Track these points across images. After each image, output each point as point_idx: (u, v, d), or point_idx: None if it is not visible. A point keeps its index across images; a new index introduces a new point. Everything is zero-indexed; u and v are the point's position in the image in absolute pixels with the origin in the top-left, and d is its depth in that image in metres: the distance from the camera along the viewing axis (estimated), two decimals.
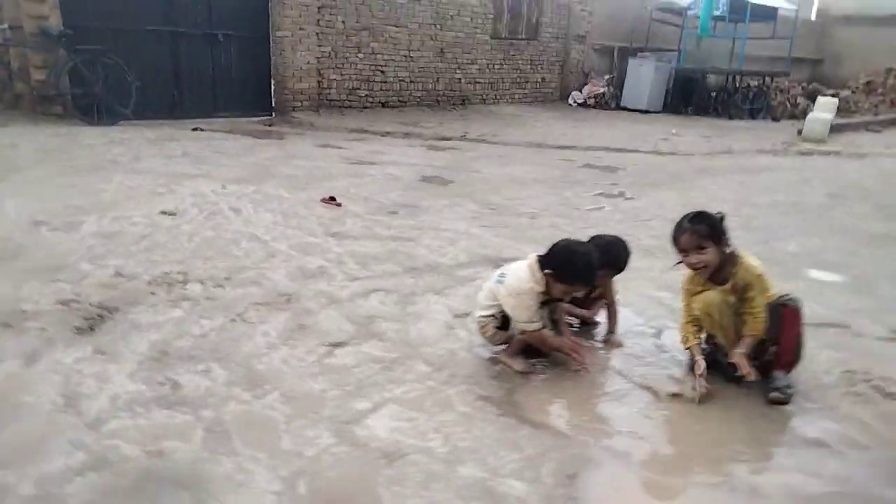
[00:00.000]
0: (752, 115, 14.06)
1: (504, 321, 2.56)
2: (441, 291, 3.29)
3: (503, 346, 2.64)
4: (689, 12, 14.02)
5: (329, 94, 10.96)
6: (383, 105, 11.71)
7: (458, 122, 10.97)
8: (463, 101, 12.97)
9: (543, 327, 2.53)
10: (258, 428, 2.06)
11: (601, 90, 14.53)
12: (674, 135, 10.81)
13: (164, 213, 4.39)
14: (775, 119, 13.89)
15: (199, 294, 3.06)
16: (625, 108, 14.45)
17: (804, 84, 16.82)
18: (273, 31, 10.07)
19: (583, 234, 2.99)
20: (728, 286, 2.52)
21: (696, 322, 2.60)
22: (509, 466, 1.97)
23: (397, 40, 11.60)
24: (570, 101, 14.72)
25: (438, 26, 12.14)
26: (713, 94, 14.53)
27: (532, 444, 2.09)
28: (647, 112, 14.07)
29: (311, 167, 6.42)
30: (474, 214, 5.01)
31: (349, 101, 11.24)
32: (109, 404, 2.12)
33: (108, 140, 7.01)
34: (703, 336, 2.63)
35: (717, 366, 2.58)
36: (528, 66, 14.13)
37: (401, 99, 11.97)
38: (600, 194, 6.04)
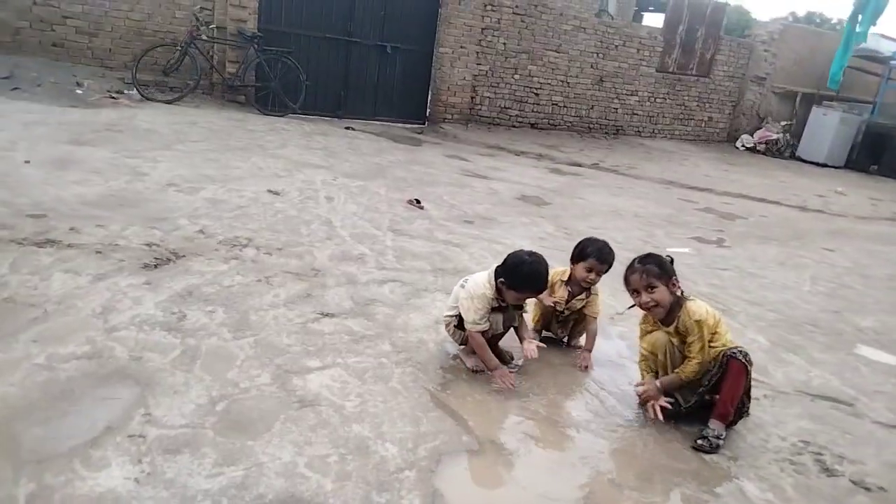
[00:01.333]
0: None
1: (462, 321, 2.81)
2: (451, 291, 3.57)
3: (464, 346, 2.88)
4: (893, 62, 12.56)
5: (480, 109, 11.53)
6: (532, 126, 12.03)
7: (601, 150, 10.96)
8: (616, 131, 12.87)
9: (491, 330, 2.74)
10: (220, 359, 2.54)
11: (774, 136, 13.55)
12: (837, 192, 9.85)
13: (270, 191, 5.15)
14: None
15: (250, 256, 3.66)
16: (800, 159, 13.34)
17: None
18: (437, 48, 10.87)
19: None
20: (672, 328, 2.54)
21: (647, 361, 2.65)
22: (397, 435, 2.24)
23: (556, 65, 11.88)
24: (739, 144, 13.90)
25: (601, 55, 12.20)
26: None
27: (432, 424, 2.33)
28: (824, 166, 12.88)
29: (423, 173, 6.96)
30: (543, 235, 5.18)
31: (499, 118, 11.71)
32: (129, 319, 2.73)
33: (269, 128, 8.16)
34: (655, 373, 2.65)
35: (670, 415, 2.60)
36: (695, 104, 13.60)
37: (551, 122, 12.20)
38: (695, 238, 5.85)
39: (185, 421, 2.12)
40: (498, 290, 2.70)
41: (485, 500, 2.03)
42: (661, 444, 2.41)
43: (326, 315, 3.08)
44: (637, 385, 2.66)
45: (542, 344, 2.84)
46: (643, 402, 2.58)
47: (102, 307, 2.80)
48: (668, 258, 2.56)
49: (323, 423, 2.23)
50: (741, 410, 2.49)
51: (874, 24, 12.21)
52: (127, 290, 3.01)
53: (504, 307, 2.77)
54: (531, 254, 2.73)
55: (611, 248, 3.05)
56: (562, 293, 3.08)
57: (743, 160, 12.46)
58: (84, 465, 1.86)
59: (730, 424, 2.50)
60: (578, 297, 3.06)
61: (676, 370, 2.47)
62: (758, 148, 13.61)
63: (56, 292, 2.87)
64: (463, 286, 2.80)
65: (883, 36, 14.12)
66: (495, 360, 2.75)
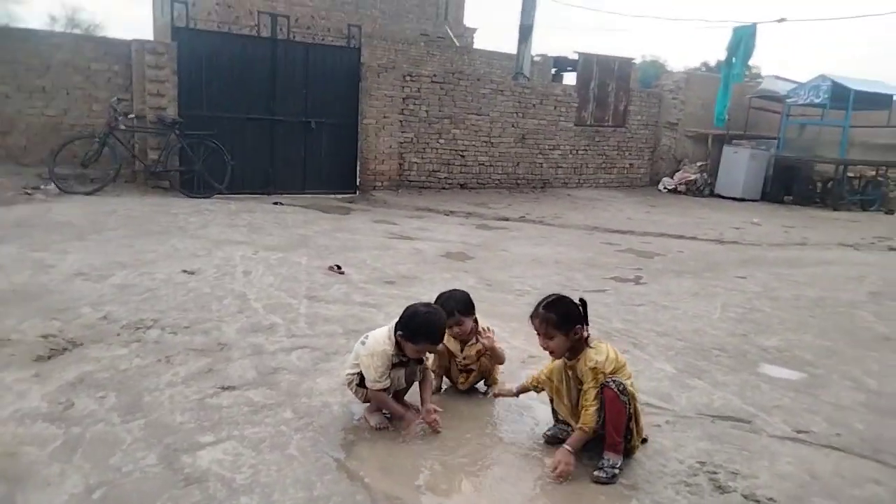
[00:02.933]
0: (864, 206, 13.06)
1: (363, 379, 2.79)
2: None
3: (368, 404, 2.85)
4: (789, 100, 13.54)
5: (409, 175, 11.78)
6: (462, 186, 12.33)
7: (528, 204, 11.28)
8: (544, 184, 13.30)
9: (393, 386, 2.73)
10: (104, 445, 2.44)
11: (693, 177, 14.25)
12: (753, 224, 10.35)
13: (185, 271, 5.08)
14: (890, 212, 12.77)
15: (153, 338, 3.58)
16: (719, 196, 14.02)
17: None
18: (361, 119, 11.14)
19: None
20: (573, 364, 2.59)
21: (538, 382, 2.73)
22: (287, 502, 2.18)
23: (478, 127, 12.32)
24: (661, 187, 14.54)
25: (520, 114, 12.73)
26: (818, 184, 13.70)
27: (326, 487, 2.28)
28: (742, 200, 13.56)
29: (347, 239, 7.01)
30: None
31: (428, 182, 11.97)
32: (9, 414, 2.61)
33: (193, 210, 8.11)
34: (538, 389, 2.77)
35: (560, 442, 2.61)
36: (615, 153, 14.25)
37: (479, 181, 12.54)
38: (613, 278, 6.02)
39: None
40: (398, 344, 2.71)
41: None
42: (565, 483, 2.41)
43: (227, 388, 3.01)
44: (554, 471, 2.42)
45: (439, 409, 2.82)
46: (559, 475, 2.41)
47: None
48: (580, 301, 2.58)
49: (208, 498, 2.16)
50: (628, 439, 2.51)
51: (746, 66, 13.35)
52: (12, 384, 2.89)
53: (406, 362, 2.77)
54: (427, 305, 2.76)
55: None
56: (452, 345, 3.09)
57: (665, 201, 13.01)
58: None
59: (626, 453, 2.52)
60: (470, 344, 3.08)
61: (579, 425, 2.47)
62: (679, 189, 14.26)
63: None
64: (363, 343, 2.79)
65: (778, 77, 15.27)
66: (400, 408, 2.74)
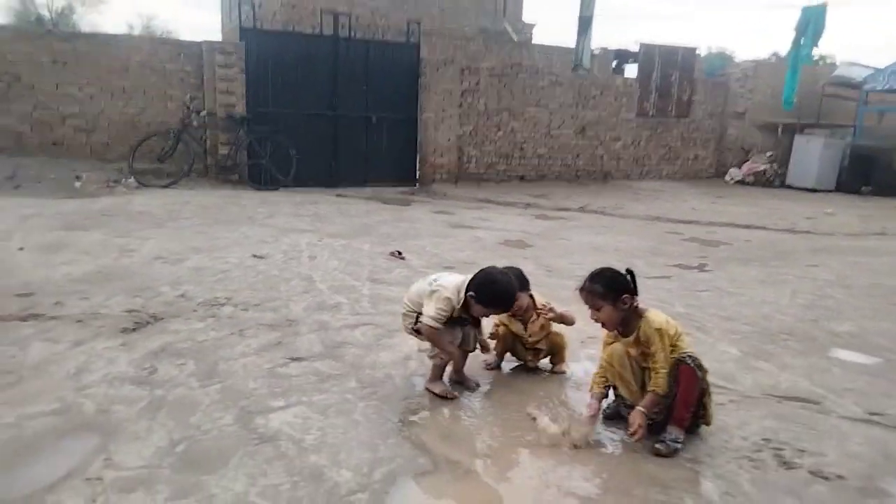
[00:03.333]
0: None
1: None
2: None
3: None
4: (866, 87, 12.86)
5: (468, 167, 11.85)
6: (521, 179, 12.31)
7: (589, 195, 11.16)
8: (604, 176, 13.12)
9: (461, 344, 2.82)
10: (185, 406, 2.60)
11: (762, 167, 13.75)
12: (827, 213, 9.91)
13: (254, 256, 5.31)
14: None
15: (226, 314, 3.78)
16: (790, 187, 13.48)
17: None
18: (420, 114, 11.29)
19: None
20: (632, 339, 2.58)
21: (604, 373, 2.68)
22: (353, 462, 2.27)
23: (537, 119, 12.26)
24: (728, 177, 14.10)
25: (580, 106, 12.59)
26: None
27: (390, 450, 2.37)
28: (815, 191, 12.98)
29: (407, 228, 7.13)
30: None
31: (487, 174, 12.01)
32: (101, 378, 2.82)
33: (260, 201, 8.44)
34: (610, 386, 2.68)
35: (621, 419, 2.62)
36: (679, 144, 13.90)
37: (539, 173, 12.49)
38: (676, 265, 5.91)
39: (144, 463, 2.18)
40: (465, 304, 2.76)
41: None
42: (622, 455, 2.42)
43: (295, 359, 3.15)
44: (632, 434, 2.42)
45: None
46: (639, 437, 2.41)
47: (76, 369, 2.90)
48: (627, 273, 2.57)
49: (280, 455, 2.28)
50: (698, 415, 2.49)
51: (816, 46, 12.68)
52: (102, 352, 3.11)
53: (465, 320, 2.82)
54: (503, 272, 2.79)
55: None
56: (515, 327, 3.12)
57: (732, 192, 12.60)
58: None
59: (689, 430, 2.51)
60: (533, 321, 3.10)
61: (651, 388, 2.47)
62: (746, 180, 13.78)
63: (33, 359, 2.98)
64: (431, 284, 2.83)
65: (853, 63, 14.52)
66: (450, 346, 2.79)
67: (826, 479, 2.25)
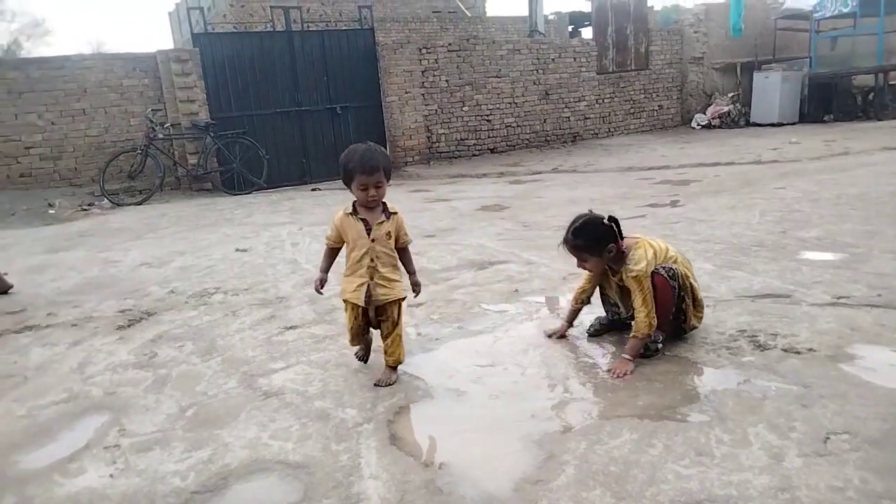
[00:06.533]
0: None
1: None
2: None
3: None
4: (816, 15, 13.08)
5: (438, 146, 11.91)
6: (492, 151, 12.39)
7: (560, 157, 11.29)
8: (574, 138, 13.25)
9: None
10: (190, 378, 2.70)
11: (726, 109, 13.95)
12: (792, 143, 10.13)
13: (238, 250, 5.38)
14: None
15: (217, 300, 3.86)
16: (756, 124, 13.68)
17: None
18: (384, 98, 11.33)
19: None
20: (616, 279, 2.71)
21: (582, 291, 2.84)
22: (356, 401, 2.39)
23: (500, 90, 12.33)
24: (694, 124, 14.28)
25: (540, 71, 12.69)
26: (858, 97, 13.24)
27: (391, 389, 2.49)
28: (780, 125, 13.20)
29: None
30: (501, 231, 5.39)
31: (458, 151, 12.09)
32: (104, 367, 2.91)
33: (237, 204, 8.47)
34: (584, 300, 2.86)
35: (608, 332, 2.78)
36: (642, 96, 14.05)
37: (509, 143, 12.58)
38: (649, 205, 6.06)
39: (157, 427, 2.28)
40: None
41: (437, 433, 2.16)
42: (607, 354, 2.56)
43: (290, 328, 3.26)
44: (615, 375, 2.40)
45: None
46: (617, 375, 2.41)
47: (79, 364, 2.98)
48: (609, 219, 2.61)
49: (286, 405, 2.39)
50: (679, 321, 2.62)
51: None
52: (101, 347, 3.19)
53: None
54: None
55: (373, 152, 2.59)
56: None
57: (699, 137, 12.79)
58: (62, 475, 2.01)
59: (675, 335, 2.64)
60: (379, 223, 2.81)
61: (632, 333, 2.51)
62: (713, 123, 13.98)
63: (34, 362, 3.06)
64: None
65: None
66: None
67: (798, 353, 2.41)
